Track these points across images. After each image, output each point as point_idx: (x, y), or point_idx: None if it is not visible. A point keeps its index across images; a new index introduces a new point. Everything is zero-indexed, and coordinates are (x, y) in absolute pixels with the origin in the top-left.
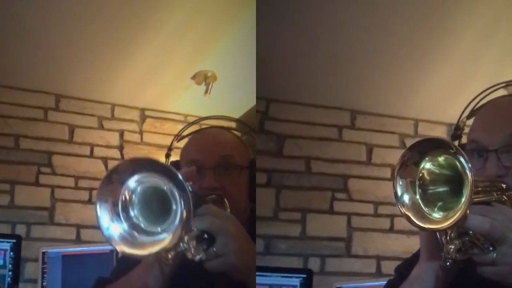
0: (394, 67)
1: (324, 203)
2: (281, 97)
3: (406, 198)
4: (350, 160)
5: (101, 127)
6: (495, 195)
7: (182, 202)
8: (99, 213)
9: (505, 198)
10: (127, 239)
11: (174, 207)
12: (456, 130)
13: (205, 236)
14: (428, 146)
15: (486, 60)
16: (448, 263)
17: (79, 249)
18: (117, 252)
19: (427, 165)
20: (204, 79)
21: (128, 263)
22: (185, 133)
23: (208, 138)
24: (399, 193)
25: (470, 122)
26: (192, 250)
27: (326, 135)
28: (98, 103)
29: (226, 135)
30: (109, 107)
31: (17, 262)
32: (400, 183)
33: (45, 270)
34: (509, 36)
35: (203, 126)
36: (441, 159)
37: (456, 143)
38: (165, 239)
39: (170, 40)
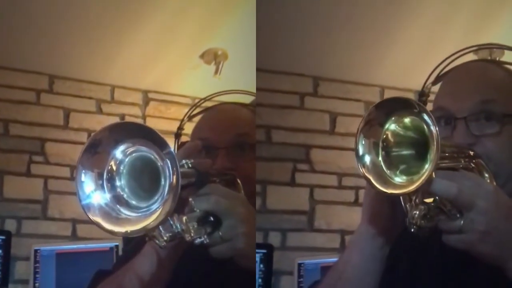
0: (359, 31)
1: (285, 175)
2: None
3: (367, 159)
4: (313, 129)
5: (100, 111)
6: (462, 161)
7: (169, 172)
8: (82, 179)
9: (473, 165)
10: (107, 213)
11: (163, 182)
12: (421, 97)
13: (211, 218)
14: (395, 106)
15: (456, 24)
16: (412, 230)
17: (75, 246)
18: (117, 250)
19: (392, 126)
20: (213, 57)
21: (130, 255)
22: (195, 112)
23: (221, 115)
24: (360, 152)
25: (436, 88)
26: (192, 232)
27: (287, 102)
28: (96, 85)
29: (241, 112)
30: (109, 89)
31: (7, 261)
32: (363, 142)
33: (37, 270)
34: None
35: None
36: (407, 120)
37: None
38: (150, 217)
39: (176, 15)
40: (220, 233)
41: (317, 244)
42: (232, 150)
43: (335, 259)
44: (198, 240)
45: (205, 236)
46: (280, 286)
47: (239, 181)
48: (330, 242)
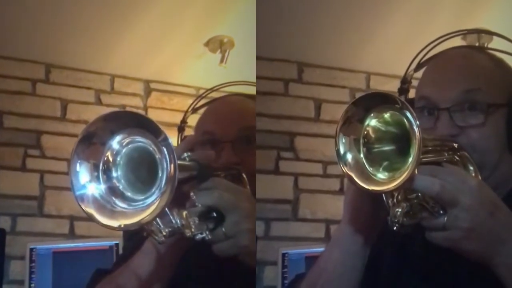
0: (344, 16)
1: (269, 163)
2: None
3: (349, 157)
4: (297, 116)
5: (99, 102)
6: (446, 155)
7: (166, 162)
8: (77, 169)
9: (457, 158)
10: (102, 206)
11: (160, 173)
12: (403, 84)
13: (214, 214)
14: (373, 101)
15: (444, 8)
16: (395, 228)
17: (72, 245)
18: (117, 249)
19: (372, 122)
20: (219, 45)
21: (131, 252)
22: (200, 104)
23: (226, 108)
24: (341, 151)
25: (419, 74)
26: (192, 227)
27: (270, 89)
28: (95, 74)
29: (246, 104)
30: (108, 79)
31: (1, 260)
32: (343, 140)
33: (33, 270)
34: None
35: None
36: (387, 115)
37: (403, 98)
38: (146, 210)
39: (180, 0)
40: (224, 229)
41: (301, 233)
42: (238, 143)
43: (320, 249)
44: (199, 236)
45: (207, 232)
46: (264, 276)
47: (244, 176)
48: (315, 231)
